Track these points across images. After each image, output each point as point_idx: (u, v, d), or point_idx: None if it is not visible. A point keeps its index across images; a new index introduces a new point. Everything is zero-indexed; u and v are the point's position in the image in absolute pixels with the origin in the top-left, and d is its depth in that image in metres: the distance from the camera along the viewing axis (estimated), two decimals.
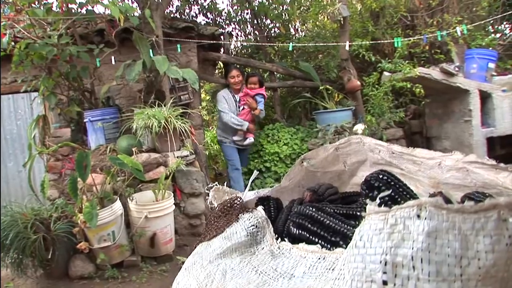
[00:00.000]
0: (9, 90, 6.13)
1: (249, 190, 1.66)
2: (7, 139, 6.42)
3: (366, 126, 5.37)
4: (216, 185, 1.69)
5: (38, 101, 5.60)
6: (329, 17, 5.95)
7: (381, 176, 1.19)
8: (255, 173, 1.73)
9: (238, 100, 5.87)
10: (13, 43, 4.69)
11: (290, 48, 5.80)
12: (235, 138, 5.77)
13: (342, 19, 5.67)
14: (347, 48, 5.42)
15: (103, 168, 4.60)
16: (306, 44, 6.64)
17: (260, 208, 1.34)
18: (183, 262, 4.13)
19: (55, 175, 4.94)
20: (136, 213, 4.25)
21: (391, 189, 1.13)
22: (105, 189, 4.34)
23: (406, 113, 6.04)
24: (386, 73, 5.46)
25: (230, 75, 5.86)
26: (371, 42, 5.78)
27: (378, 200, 1.02)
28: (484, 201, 0.74)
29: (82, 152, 4.02)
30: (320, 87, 5.98)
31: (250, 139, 5.80)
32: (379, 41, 5.77)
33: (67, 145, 4.76)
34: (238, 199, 1.50)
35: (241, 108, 5.86)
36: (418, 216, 0.80)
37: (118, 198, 4.33)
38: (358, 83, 5.85)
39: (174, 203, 4.47)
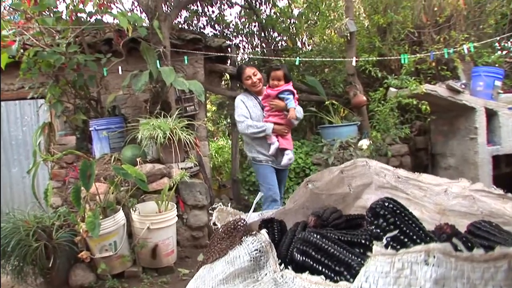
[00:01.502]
0: (16, 96, 6.19)
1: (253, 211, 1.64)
2: (13, 145, 6.46)
3: (371, 142, 5.36)
4: (220, 205, 1.69)
5: (45, 108, 5.64)
6: (336, 32, 5.96)
7: (386, 204, 1.18)
8: (260, 194, 1.73)
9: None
10: (22, 50, 4.72)
11: (297, 62, 5.80)
12: (271, 152, 4.16)
13: (349, 34, 5.68)
14: (353, 63, 5.43)
15: (107, 178, 4.61)
16: (313, 59, 6.65)
17: (264, 231, 1.33)
18: (184, 274, 4.15)
19: (59, 183, 4.96)
20: (138, 224, 4.24)
21: (397, 230, 1.12)
22: (108, 198, 4.33)
23: (411, 129, 6.03)
24: (392, 89, 5.45)
25: (244, 77, 4.32)
26: (377, 58, 5.78)
27: (384, 241, 1.01)
28: (494, 250, 0.73)
29: (87, 161, 4.03)
30: (326, 102, 5.97)
31: (289, 155, 4.21)
32: (385, 57, 5.77)
33: (71, 153, 4.78)
34: (242, 221, 1.49)
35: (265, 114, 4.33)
36: (426, 262, 0.78)
37: (121, 208, 4.32)
38: (364, 98, 5.84)
39: (177, 215, 4.47)
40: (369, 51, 6.40)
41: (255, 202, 1.67)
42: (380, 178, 1.64)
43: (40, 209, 4.43)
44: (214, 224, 1.61)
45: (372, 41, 6.44)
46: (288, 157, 4.18)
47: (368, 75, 6.17)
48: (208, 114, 8.43)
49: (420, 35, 6.50)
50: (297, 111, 4.26)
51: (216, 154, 8.19)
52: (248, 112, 4.26)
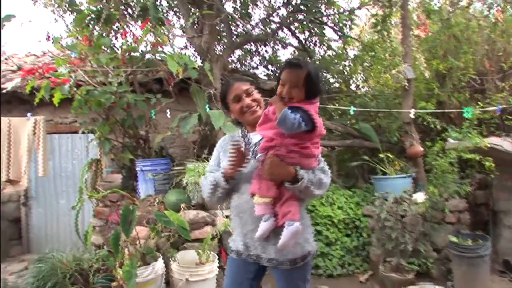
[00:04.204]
0: (69, 130, 6.34)
1: None
2: (62, 177, 6.60)
3: (427, 197, 4.99)
4: None
5: (94, 143, 5.69)
6: (392, 79, 5.67)
7: None
8: None
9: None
10: (74, 88, 4.78)
11: (352, 112, 5.45)
12: (258, 233, 2.09)
13: (406, 81, 5.38)
14: (411, 116, 5.12)
15: (149, 221, 4.51)
16: (368, 109, 6.27)
17: None
18: None
19: (102, 221, 4.95)
20: (177, 274, 4.11)
21: None
22: (148, 244, 4.23)
23: (471, 183, 5.57)
24: (451, 140, 5.06)
25: (230, 98, 2.37)
26: (436, 110, 5.42)
27: None
28: None
29: (128, 206, 3.95)
30: (381, 154, 5.61)
31: (292, 227, 1.99)
32: (445, 110, 5.41)
33: (116, 192, 4.76)
34: None
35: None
36: None
37: (161, 256, 4.21)
38: (421, 149, 5.48)
39: (218, 266, 4.28)
40: (427, 98, 6.04)
41: None
42: None
43: (82, 246, 4.40)
44: None
45: (430, 86, 6.09)
46: (291, 231, 1.99)
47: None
48: None
49: (482, 82, 6.10)
50: (311, 181, 2.09)
51: None
52: (218, 163, 2.44)
